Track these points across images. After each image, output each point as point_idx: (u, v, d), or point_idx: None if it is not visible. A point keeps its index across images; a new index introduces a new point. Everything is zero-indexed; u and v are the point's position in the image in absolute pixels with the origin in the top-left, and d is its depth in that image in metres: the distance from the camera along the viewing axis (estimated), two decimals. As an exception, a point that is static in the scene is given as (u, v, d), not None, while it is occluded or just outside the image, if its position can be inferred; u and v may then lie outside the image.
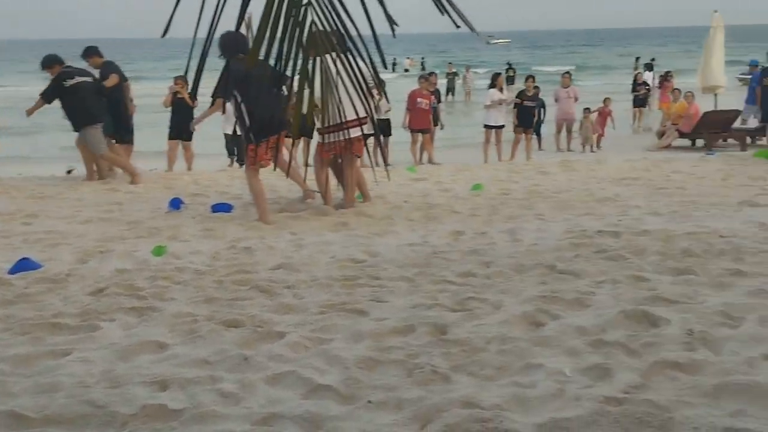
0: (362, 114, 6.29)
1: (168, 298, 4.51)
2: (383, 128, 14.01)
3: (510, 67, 32.02)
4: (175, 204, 7.45)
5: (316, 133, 7.52)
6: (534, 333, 3.75)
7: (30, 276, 4.91)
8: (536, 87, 14.94)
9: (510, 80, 30.13)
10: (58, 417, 2.87)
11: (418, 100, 13.77)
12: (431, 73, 15.94)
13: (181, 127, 11.23)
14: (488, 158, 13.78)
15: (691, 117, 15.86)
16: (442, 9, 1.39)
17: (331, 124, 6.12)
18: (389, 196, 8.29)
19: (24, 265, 5.06)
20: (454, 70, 33.24)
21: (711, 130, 15.52)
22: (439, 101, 15.43)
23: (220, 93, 7.24)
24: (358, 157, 7.51)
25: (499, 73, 15.10)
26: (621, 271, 4.75)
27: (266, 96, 6.45)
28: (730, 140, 15.69)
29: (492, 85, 14.29)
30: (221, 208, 7.33)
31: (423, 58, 51.28)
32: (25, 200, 8.02)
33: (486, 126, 14.23)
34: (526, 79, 14.96)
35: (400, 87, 22.67)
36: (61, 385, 3.10)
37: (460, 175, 10.30)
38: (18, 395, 3.06)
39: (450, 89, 31.54)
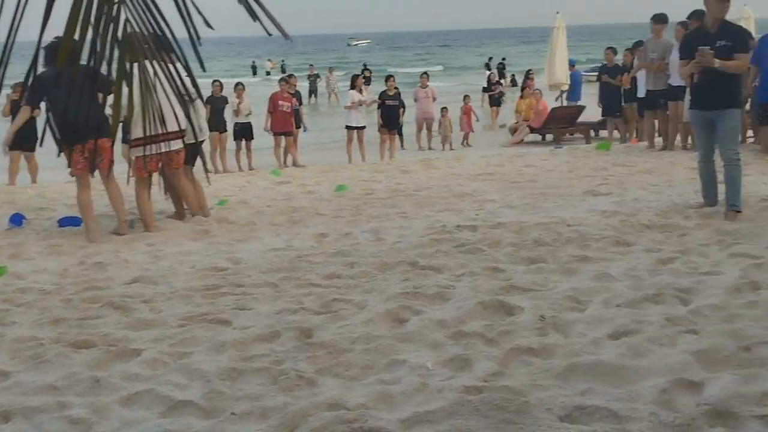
0: (183, 124, 6.08)
1: (8, 322, 4.16)
2: (246, 132, 13.76)
3: (366, 68, 32.47)
4: (17, 220, 6.89)
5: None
6: (397, 330, 3.81)
7: None
8: (396, 87, 15.24)
9: (367, 81, 30.65)
10: None
11: (280, 102, 13.65)
12: (290, 75, 15.84)
13: (23, 137, 10.44)
14: (352, 159, 13.90)
15: (540, 113, 16.82)
16: (254, 16, 1.36)
17: (146, 135, 5.85)
18: (252, 201, 8.14)
19: None
20: (315, 72, 33.26)
21: (559, 125, 16.54)
22: (300, 103, 15.36)
23: (27, 100, 6.57)
24: (176, 168, 6.81)
25: (358, 75, 15.27)
26: (479, 264, 4.94)
27: (78, 99, 6.01)
28: (576, 134, 16.79)
29: (352, 87, 14.42)
30: (69, 222, 6.85)
31: (283, 61, 50.91)
32: None
33: (348, 127, 14.34)
34: (387, 80, 15.22)
35: (262, 90, 22.38)
36: None
37: (324, 176, 10.31)
38: None
39: (312, 91, 31.54)
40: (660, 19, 10.72)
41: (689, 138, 10.21)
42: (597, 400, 2.78)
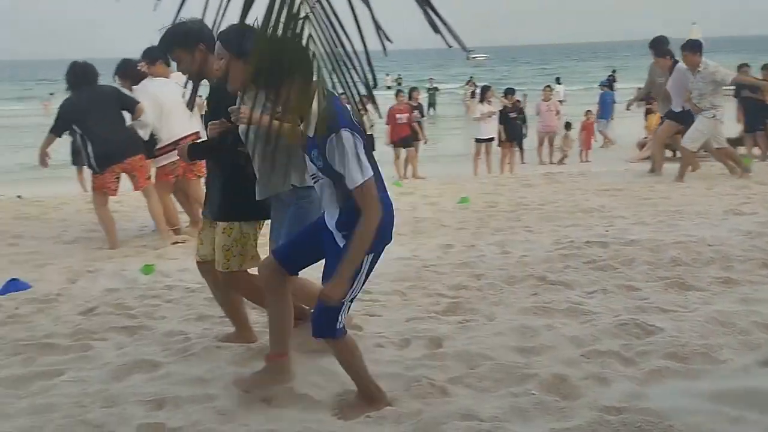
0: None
1: (158, 316, 4.47)
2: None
3: (470, 80, 32.63)
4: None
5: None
6: (528, 343, 3.77)
7: (19, 297, 4.84)
8: (518, 100, 15.09)
9: (474, 94, 30.75)
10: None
11: (398, 115, 13.89)
12: (414, 89, 16.07)
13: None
14: (478, 171, 13.87)
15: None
16: (435, 28, 1.41)
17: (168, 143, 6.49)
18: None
19: (13, 285, 4.99)
20: (435, 86, 33.50)
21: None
22: (422, 116, 15.54)
23: (54, 130, 6.54)
24: (199, 177, 6.85)
25: (489, 87, 15.24)
26: (611, 281, 4.79)
27: (109, 123, 6.38)
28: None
29: (482, 99, 14.42)
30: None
31: (399, 75, 51.65)
32: (10, 221, 7.92)
33: (477, 140, 14.34)
34: (506, 94, 15.14)
35: (381, 103, 22.74)
36: (56, 405, 3.06)
37: (445, 188, 10.33)
38: (14, 416, 3.02)
39: (431, 104, 31.76)
40: None
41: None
42: (751, 430, 2.63)
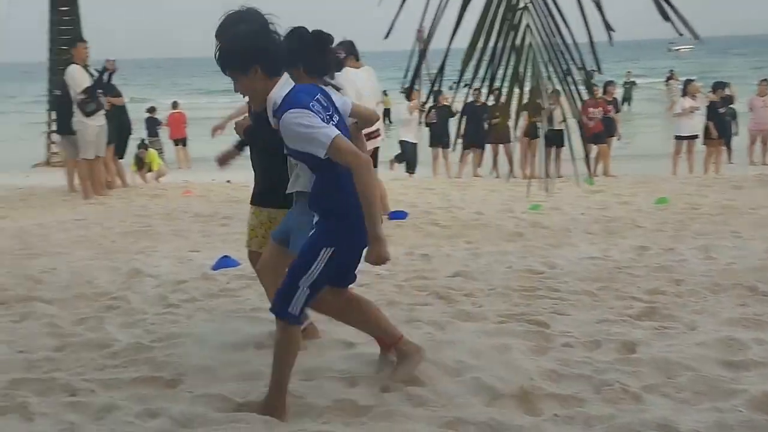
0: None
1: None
2: (556, 139, 13.68)
3: (672, 74, 29.86)
4: (401, 215, 7.53)
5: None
6: (735, 357, 3.48)
7: (230, 272, 5.33)
8: (728, 95, 13.88)
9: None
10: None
11: (590, 110, 13.31)
12: (610, 82, 15.32)
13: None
14: (677, 170, 12.99)
15: None
16: (665, 16, 1.34)
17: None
18: (565, 208, 8.08)
19: (225, 262, 5.51)
20: (632, 79, 31.65)
21: None
22: (617, 111, 14.81)
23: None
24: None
25: (692, 80, 14.19)
26: (836, 296, 4.28)
27: None
28: None
29: (684, 93, 13.47)
30: (397, 215, 7.53)
31: (592, 68, 49.40)
32: (221, 203, 8.74)
33: (677, 137, 13.42)
34: (714, 89, 13.97)
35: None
36: (261, 374, 3.33)
37: (640, 187, 9.79)
38: (225, 381, 3.33)
39: (627, 99, 30.05)
40: None
41: None
42: None
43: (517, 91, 1.95)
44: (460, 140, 13.18)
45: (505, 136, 12.61)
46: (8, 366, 3.53)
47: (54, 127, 10.76)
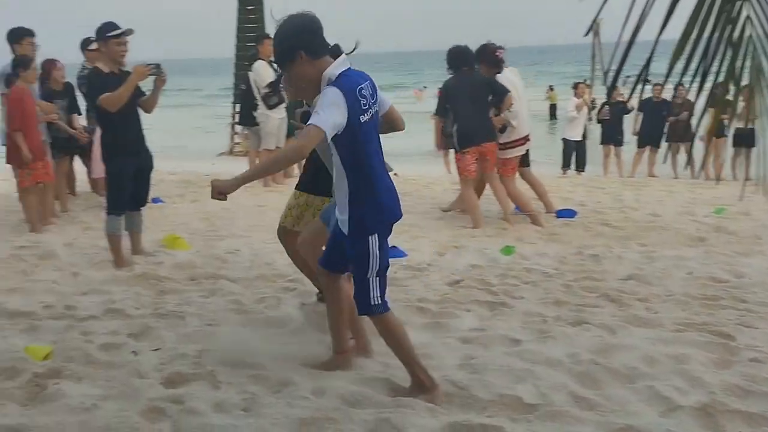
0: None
1: (518, 296, 4.65)
2: (747, 138, 12.57)
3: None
4: (569, 214, 7.41)
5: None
6: None
7: (397, 263, 5.46)
8: None
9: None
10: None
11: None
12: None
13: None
14: None
15: None
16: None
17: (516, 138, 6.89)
18: (755, 213, 7.41)
19: (393, 253, 5.64)
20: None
21: None
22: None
23: (437, 110, 7.41)
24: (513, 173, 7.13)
25: None
26: None
27: (472, 107, 6.63)
28: None
29: None
30: (566, 214, 7.30)
31: None
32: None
33: None
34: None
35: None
36: (428, 364, 3.37)
37: None
38: (395, 366, 3.39)
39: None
40: None
41: None
42: None
43: (732, 88, 1.81)
44: (636, 137, 12.55)
45: (687, 134, 11.77)
46: (200, 337, 3.86)
47: (238, 119, 11.53)
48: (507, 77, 6.90)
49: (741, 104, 2.33)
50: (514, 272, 5.21)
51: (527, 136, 7.01)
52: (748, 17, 1.40)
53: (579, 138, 12.17)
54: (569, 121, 12.34)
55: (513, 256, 5.70)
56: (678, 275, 5.09)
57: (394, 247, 5.73)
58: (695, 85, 1.62)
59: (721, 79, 1.68)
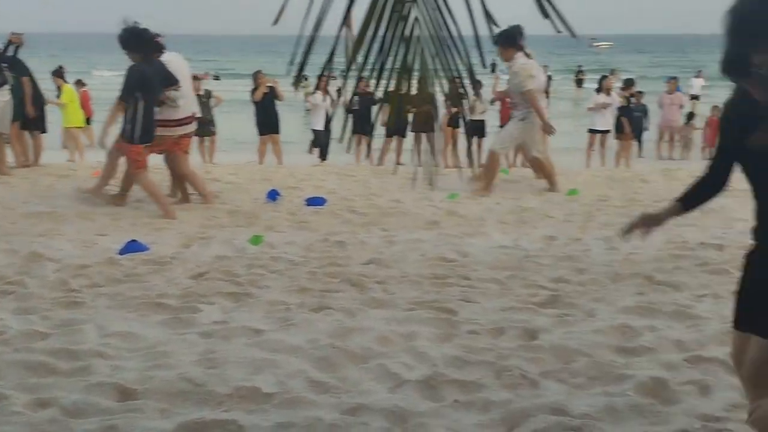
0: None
1: (263, 285, 4.66)
2: (478, 129, 13.90)
3: (579, 70, 31.94)
4: (272, 195, 7.66)
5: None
6: (628, 344, 3.65)
7: (137, 257, 5.18)
8: (639, 92, 14.47)
9: (579, 83, 30.50)
10: (159, 391, 3.02)
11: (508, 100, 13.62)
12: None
13: (272, 122, 11.82)
14: (590, 163, 13.43)
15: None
16: (545, 13, 1.37)
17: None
18: (481, 198, 8.23)
19: (132, 246, 5.35)
20: (549, 74, 32.62)
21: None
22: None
23: (124, 96, 6.80)
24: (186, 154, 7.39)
25: (606, 76, 14.67)
26: (724, 286, 4.53)
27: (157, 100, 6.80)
28: None
29: (599, 89, 13.91)
30: (316, 201, 7.49)
31: (493, 60, 50.56)
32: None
33: (591, 130, 13.87)
34: (625, 86, 14.54)
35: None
36: (164, 363, 3.26)
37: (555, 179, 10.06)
38: (127, 370, 3.24)
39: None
40: None
41: None
42: None
43: (406, 82, 1.97)
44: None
45: (429, 125, 12.69)
46: None
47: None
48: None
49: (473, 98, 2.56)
50: (261, 261, 5.22)
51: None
52: (416, 18, 1.53)
53: (321, 128, 12.67)
54: (313, 112, 12.78)
55: (261, 245, 5.70)
56: (413, 257, 5.47)
57: (133, 240, 5.43)
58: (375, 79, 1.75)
59: (396, 73, 1.82)
